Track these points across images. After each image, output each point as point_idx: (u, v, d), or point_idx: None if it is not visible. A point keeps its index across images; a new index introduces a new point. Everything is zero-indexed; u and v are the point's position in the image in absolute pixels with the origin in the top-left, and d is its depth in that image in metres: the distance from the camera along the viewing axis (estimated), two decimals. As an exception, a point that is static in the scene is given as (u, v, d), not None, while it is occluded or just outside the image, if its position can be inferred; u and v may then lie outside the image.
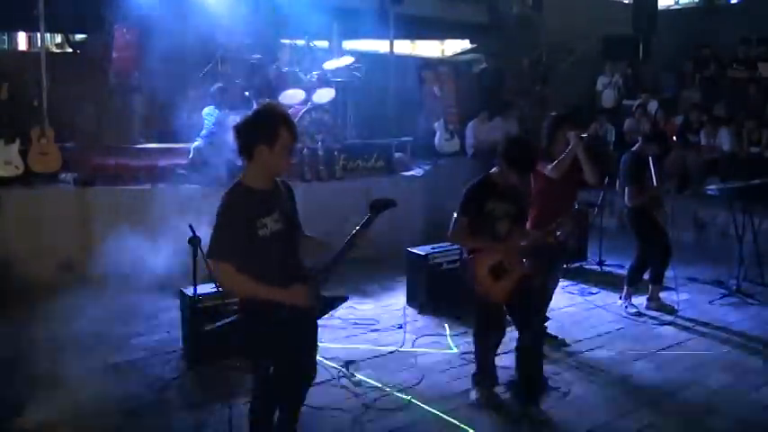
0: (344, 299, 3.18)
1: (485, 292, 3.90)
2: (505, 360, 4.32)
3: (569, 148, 4.64)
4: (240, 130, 2.82)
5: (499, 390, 4.23)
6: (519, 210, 4.01)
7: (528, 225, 4.51)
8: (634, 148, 5.79)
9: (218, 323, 3.10)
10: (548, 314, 5.08)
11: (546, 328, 5.02)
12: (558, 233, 4.23)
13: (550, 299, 5.06)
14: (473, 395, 4.13)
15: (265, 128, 2.78)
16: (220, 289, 3.02)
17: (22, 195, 6.42)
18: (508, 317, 4.05)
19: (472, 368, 4.27)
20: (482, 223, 3.88)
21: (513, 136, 4.42)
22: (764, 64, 10.46)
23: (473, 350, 4.26)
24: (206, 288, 4.64)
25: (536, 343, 4.00)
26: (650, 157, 5.56)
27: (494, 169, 3.97)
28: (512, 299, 3.91)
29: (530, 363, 4.00)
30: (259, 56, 8.28)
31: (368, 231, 2.97)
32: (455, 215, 3.91)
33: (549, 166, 4.65)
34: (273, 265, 2.84)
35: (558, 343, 5.00)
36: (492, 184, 3.93)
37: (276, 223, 2.84)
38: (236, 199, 2.81)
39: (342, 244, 2.99)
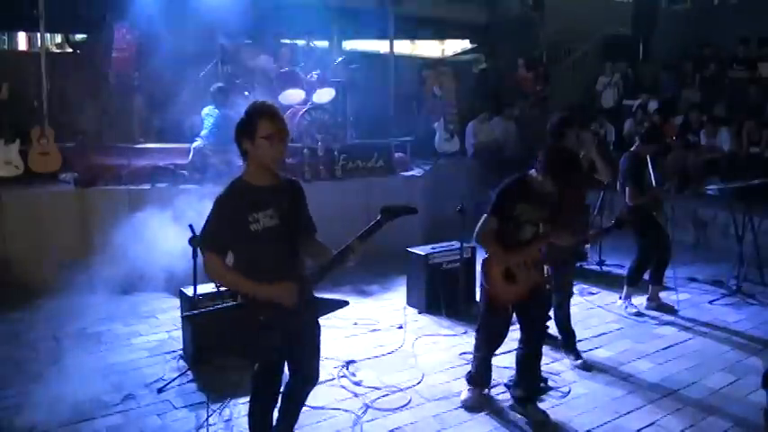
0: (345, 303, 3.16)
1: (495, 293, 3.89)
2: (505, 360, 4.33)
3: (586, 148, 4.55)
4: (234, 134, 2.93)
5: (499, 390, 4.23)
6: (548, 214, 3.93)
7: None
8: (632, 149, 5.80)
9: (197, 311, 3.07)
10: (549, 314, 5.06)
11: (548, 328, 5.02)
12: (588, 245, 4.25)
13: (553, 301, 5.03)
14: (465, 395, 4.13)
15: (244, 123, 2.88)
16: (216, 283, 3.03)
17: (22, 195, 6.42)
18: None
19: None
20: (509, 225, 3.84)
21: (555, 145, 4.28)
22: (764, 64, 10.44)
23: (472, 350, 4.26)
24: (206, 288, 4.64)
25: (539, 345, 4.00)
26: (649, 158, 5.57)
27: (531, 171, 3.88)
28: (521, 302, 3.90)
29: (531, 364, 4.00)
30: (259, 56, 8.29)
31: (371, 238, 2.96)
32: (483, 217, 3.86)
33: None
34: (264, 260, 2.87)
35: (558, 343, 4.99)
36: (526, 187, 3.85)
37: (270, 219, 2.87)
38: (230, 193, 2.89)
39: (342, 245, 2.98)
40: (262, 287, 2.82)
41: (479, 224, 3.87)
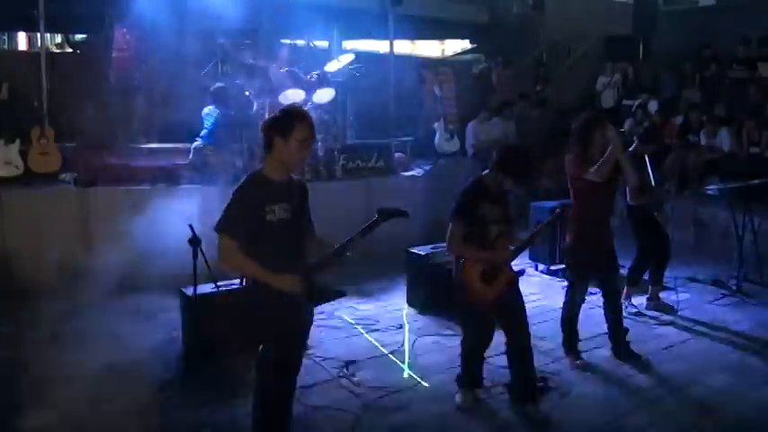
0: (342, 294, 3.29)
1: (474, 296, 3.91)
2: (504, 360, 4.32)
3: (610, 148, 4.42)
4: (263, 126, 3.09)
5: (498, 390, 4.23)
6: (508, 213, 4.01)
7: (572, 231, 4.60)
8: (631, 149, 5.78)
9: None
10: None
11: (629, 343, 4.94)
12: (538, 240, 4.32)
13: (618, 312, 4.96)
14: (457, 398, 4.13)
15: (281, 121, 3.04)
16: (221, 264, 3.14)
17: (22, 195, 6.42)
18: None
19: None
20: (474, 227, 3.89)
21: (508, 144, 4.41)
22: (764, 64, 10.43)
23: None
24: (206, 288, 4.64)
25: (524, 343, 4.00)
26: (648, 157, 5.57)
27: (485, 172, 3.96)
28: (499, 301, 3.93)
29: (522, 363, 4.01)
30: (259, 56, 8.28)
31: (369, 235, 3.11)
32: (450, 225, 3.91)
33: (592, 170, 4.45)
34: (276, 248, 3.02)
35: (558, 343, 4.95)
36: (484, 188, 3.92)
37: (284, 212, 3.04)
38: (250, 182, 3.06)
39: (342, 243, 3.11)
40: (270, 275, 2.96)
41: (448, 235, 3.92)
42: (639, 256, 5.90)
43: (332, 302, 3.33)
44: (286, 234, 3.05)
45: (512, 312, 3.99)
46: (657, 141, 5.84)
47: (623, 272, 6.28)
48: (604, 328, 5.35)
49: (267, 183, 3.04)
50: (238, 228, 2.96)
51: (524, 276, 4.15)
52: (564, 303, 4.84)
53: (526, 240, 4.21)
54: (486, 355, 4.21)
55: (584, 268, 4.74)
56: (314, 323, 3.30)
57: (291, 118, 3.02)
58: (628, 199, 5.63)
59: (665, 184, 5.79)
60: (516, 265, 4.08)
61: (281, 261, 2.98)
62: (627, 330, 4.97)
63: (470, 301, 3.93)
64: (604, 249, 4.74)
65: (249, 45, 8.35)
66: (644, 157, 5.55)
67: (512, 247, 4.05)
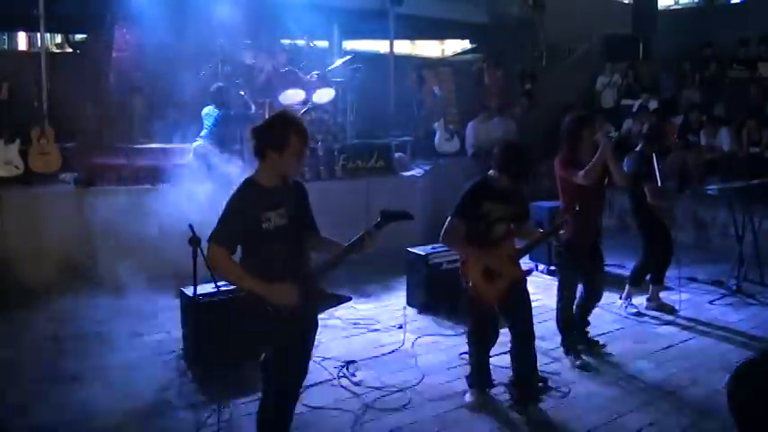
0: (347, 299, 3.24)
1: (478, 294, 3.91)
2: (505, 360, 4.32)
3: (599, 151, 4.41)
4: (255, 134, 3.02)
5: (498, 390, 4.23)
6: (516, 211, 4.02)
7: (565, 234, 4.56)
8: (638, 149, 5.77)
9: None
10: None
11: (588, 333, 5.01)
12: (562, 231, 4.23)
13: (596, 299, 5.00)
14: (468, 397, 4.13)
15: (277, 136, 2.94)
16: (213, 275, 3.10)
17: (22, 195, 6.42)
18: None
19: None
20: (479, 225, 3.90)
21: (508, 141, 4.40)
22: (764, 64, 10.45)
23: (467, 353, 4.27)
24: (206, 288, 4.63)
25: (529, 342, 4.00)
26: (654, 156, 5.56)
27: (490, 172, 3.97)
28: (505, 299, 3.93)
29: (524, 362, 4.01)
30: (259, 56, 8.28)
31: (374, 237, 3.05)
32: (449, 217, 3.92)
33: (580, 173, 4.45)
34: (275, 257, 2.96)
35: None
36: (488, 187, 3.93)
37: (281, 218, 2.97)
38: (244, 192, 2.98)
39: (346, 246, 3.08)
40: (263, 286, 2.89)
41: (445, 226, 3.93)
42: (645, 256, 5.87)
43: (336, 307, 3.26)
44: (284, 241, 2.98)
45: (517, 311, 3.98)
46: (662, 140, 5.82)
47: (623, 272, 6.30)
48: (604, 328, 5.37)
49: (260, 190, 2.96)
50: (232, 238, 2.90)
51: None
52: (557, 303, 4.84)
53: (526, 246, 4.20)
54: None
55: (572, 266, 4.75)
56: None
57: (286, 131, 2.91)
58: (649, 199, 5.55)
59: (666, 184, 5.78)
60: (524, 263, 4.08)
61: (280, 269, 2.92)
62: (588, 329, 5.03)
63: (474, 298, 3.93)
64: (590, 248, 4.75)
65: (249, 45, 8.35)
66: (651, 157, 5.53)
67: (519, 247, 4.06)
